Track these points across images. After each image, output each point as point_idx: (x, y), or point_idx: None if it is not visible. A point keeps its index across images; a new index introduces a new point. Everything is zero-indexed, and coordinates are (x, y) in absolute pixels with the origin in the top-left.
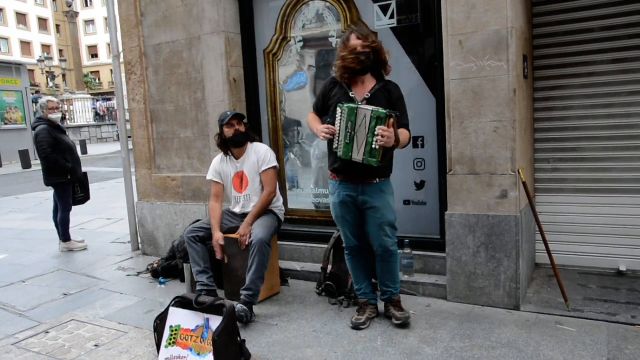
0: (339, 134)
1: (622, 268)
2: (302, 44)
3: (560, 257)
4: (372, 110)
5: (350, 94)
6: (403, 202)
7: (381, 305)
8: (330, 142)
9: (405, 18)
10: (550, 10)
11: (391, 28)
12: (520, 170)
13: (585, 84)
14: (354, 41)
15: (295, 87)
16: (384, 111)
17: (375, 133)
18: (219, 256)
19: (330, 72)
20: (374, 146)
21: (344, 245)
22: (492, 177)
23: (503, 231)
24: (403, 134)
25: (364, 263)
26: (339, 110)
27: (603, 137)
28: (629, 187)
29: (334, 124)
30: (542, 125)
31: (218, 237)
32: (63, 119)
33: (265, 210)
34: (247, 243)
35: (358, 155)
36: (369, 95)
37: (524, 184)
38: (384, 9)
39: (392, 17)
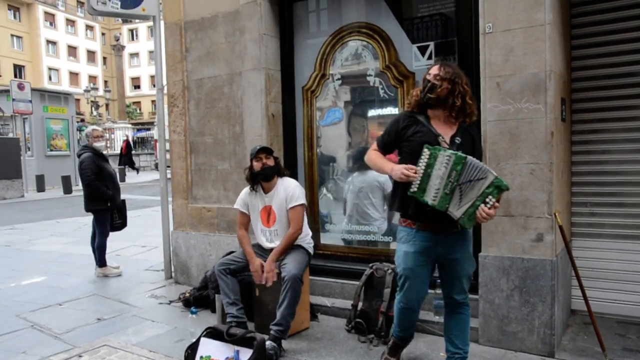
0: (424, 179)
1: None
2: (339, 81)
3: (597, 304)
4: (496, 177)
5: (440, 137)
6: None
7: None
8: (401, 184)
9: (442, 58)
10: (590, 54)
11: (428, 68)
12: (556, 214)
13: (625, 128)
14: (433, 69)
15: (331, 122)
16: (506, 184)
17: (487, 201)
18: (263, 281)
19: (366, 109)
20: (478, 215)
21: (400, 301)
22: (528, 220)
23: (538, 275)
24: None
25: (416, 315)
26: (426, 152)
27: None
28: None
29: (414, 164)
30: (579, 168)
31: (259, 262)
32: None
33: (289, 247)
34: (273, 280)
35: (456, 211)
36: (459, 140)
37: (560, 227)
38: (422, 50)
39: (430, 57)
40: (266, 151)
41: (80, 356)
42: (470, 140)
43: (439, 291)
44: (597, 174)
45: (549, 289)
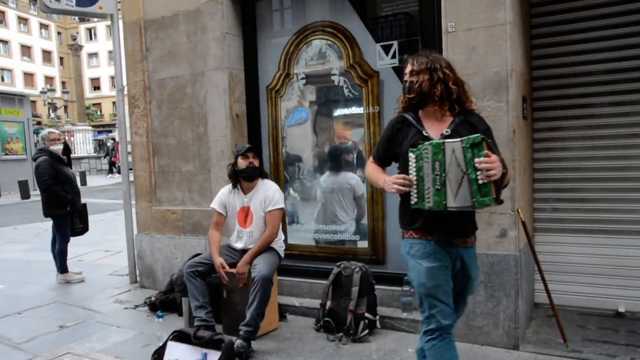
0: (420, 185)
1: (621, 309)
2: (304, 81)
3: (560, 297)
4: (462, 140)
5: (424, 132)
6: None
7: None
8: (404, 197)
9: (407, 56)
10: (550, 54)
11: (393, 67)
12: (519, 210)
13: (585, 125)
14: (406, 67)
15: (296, 122)
16: (477, 135)
17: (476, 166)
18: (225, 280)
19: (332, 108)
20: (480, 182)
21: (429, 327)
22: (492, 216)
23: (502, 270)
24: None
25: (454, 347)
26: (411, 155)
27: (602, 178)
28: (628, 229)
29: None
30: (541, 165)
31: (220, 261)
32: (69, 151)
33: (264, 250)
34: (244, 282)
35: (458, 202)
36: (449, 131)
37: (523, 223)
38: (386, 49)
39: (393, 56)
40: (254, 151)
41: None
42: (469, 129)
43: (406, 288)
44: (558, 170)
45: (513, 284)
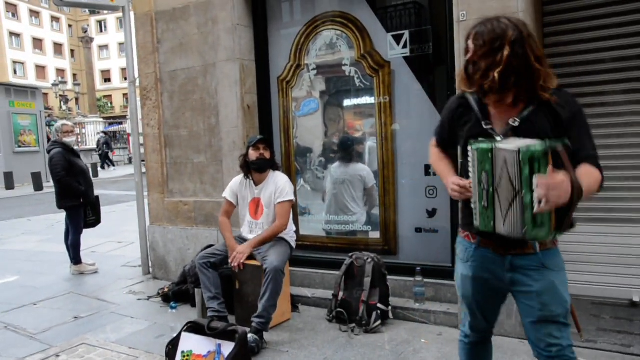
0: (475, 192)
1: (636, 299)
2: (315, 71)
3: (573, 287)
4: (519, 149)
5: (484, 123)
6: (415, 229)
7: None
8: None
9: (417, 47)
10: (562, 41)
11: (404, 57)
12: None
13: (598, 114)
14: (469, 40)
15: (307, 113)
16: (539, 148)
17: (535, 186)
18: (235, 263)
19: (343, 99)
20: (536, 209)
21: (461, 329)
22: None
23: None
24: (588, 174)
25: (490, 352)
26: (470, 152)
27: (616, 167)
28: None
29: (468, 173)
30: None
31: (238, 248)
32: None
33: (271, 239)
34: (241, 262)
35: (507, 227)
36: (517, 121)
37: None
38: (397, 39)
39: (405, 46)
40: (266, 143)
41: (57, 356)
42: (547, 118)
43: (419, 278)
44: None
45: None
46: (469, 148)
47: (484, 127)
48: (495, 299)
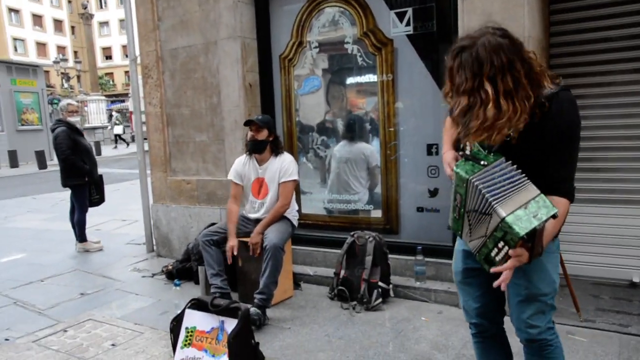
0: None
1: (636, 279)
2: (317, 49)
3: (573, 267)
4: (503, 220)
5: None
6: (416, 208)
7: None
8: None
9: (421, 25)
10: (568, 19)
11: (407, 35)
12: None
13: (602, 93)
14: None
15: (309, 91)
16: (518, 232)
17: (499, 247)
18: (229, 261)
19: (345, 77)
20: (494, 257)
21: (467, 319)
22: None
23: None
24: (559, 203)
25: (499, 352)
26: (454, 170)
27: (619, 148)
28: None
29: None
30: None
31: (233, 244)
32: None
33: (276, 220)
34: (258, 252)
35: (469, 242)
36: (508, 137)
37: None
38: (400, 16)
39: (408, 24)
40: (253, 124)
41: (65, 331)
42: (539, 135)
43: (419, 257)
44: None
45: None
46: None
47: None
48: (483, 276)
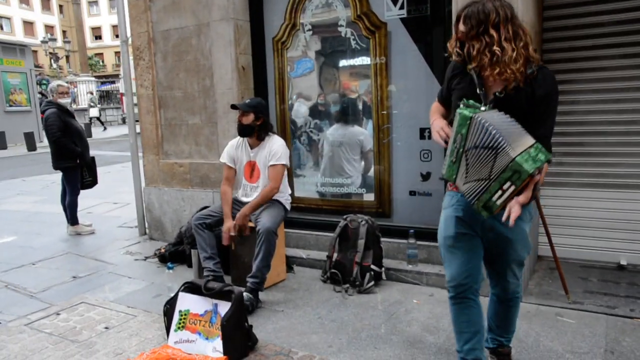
0: (449, 147)
1: (623, 262)
2: (310, 32)
3: (563, 250)
4: (513, 159)
5: (479, 89)
6: (409, 192)
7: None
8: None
9: (414, 9)
10: (561, 4)
11: (401, 18)
12: None
13: (593, 78)
14: (457, 25)
15: (302, 73)
16: (528, 169)
17: (504, 188)
18: (225, 242)
19: (338, 60)
20: (495, 199)
21: (447, 281)
22: None
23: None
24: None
25: (473, 314)
26: (458, 110)
27: (609, 132)
28: (633, 183)
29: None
30: None
31: (230, 225)
32: (71, 102)
33: (264, 203)
34: (239, 232)
35: (465, 188)
36: (502, 93)
37: None
38: (394, 0)
39: (402, 7)
40: (237, 108)
41: (58, 314)
42: (525, 95)
43: (412, 241)
44: (565, 124)
45: None
46: (459, 108)
47: (478, 92)
48: (471, 239)
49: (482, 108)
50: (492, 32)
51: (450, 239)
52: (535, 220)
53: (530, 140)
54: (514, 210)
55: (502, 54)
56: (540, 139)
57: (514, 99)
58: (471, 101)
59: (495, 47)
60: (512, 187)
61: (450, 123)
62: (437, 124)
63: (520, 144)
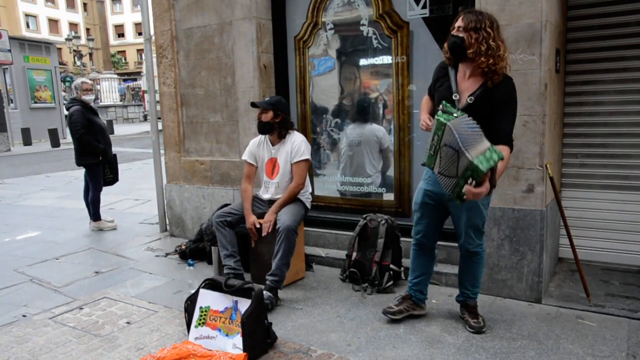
0: (429, 140)
1: None
2: (332, 31)
3: (584, 252)
4: (472, 162)
5: (454, 95)
6: None
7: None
8: None
9: (437, 8)
10: (585, 3)
11: (423, 18)
12: (547, 165)
13: (618, 79)
14: (456, 21)
15: (323, 72)
16: (483, 169)
17: (468, 182)
18: (255, 238)
19: (360, 59)
20: (461, 190)
21: (413, 234)
22: (520, 171)
23: (528, 225)
24: (502, 162)
25: (426, 260)
26: (439, 108)
27: (633, 134)
28: None
29: None
30: (571, 120)
31: (253, 220)
32: (95, 99)
33: (291, 200)
34: (269, 230)
35: (440, 179)
36: (472, 100)
37: (551, 178)
38: None
39: (424, 7)
40: (256, 106)
41: (81, 308)
42: (488, 101)
43: None
44: (589, 125)
45: (538, 239)
46: (437, 112)
47: (453, 98)
48: (438, 209)
49: (455, 114)
50: (489, 29)
51: (417, 204)
52: (557, 222)
53: (486, 144)
54: (477, 195)
55: (496, 49)
56: (504, 135)
57: (480, 104)
58: (448, 105)
59: (491, 42)
60: (474, 182)
61: (433, 116)
62: (423, 117)
63: (478, 149)
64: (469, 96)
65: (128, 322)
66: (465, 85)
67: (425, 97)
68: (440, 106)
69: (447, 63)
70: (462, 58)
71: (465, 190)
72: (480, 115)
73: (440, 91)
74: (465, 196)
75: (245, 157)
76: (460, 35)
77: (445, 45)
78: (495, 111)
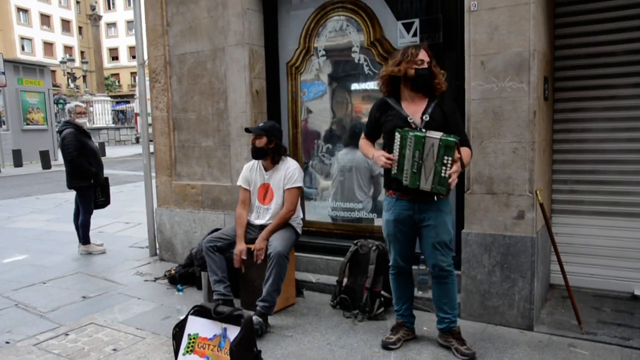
0: (400, 161)
1: (637, 292)
2: (324, 58)
3: (575, 279)
4: (440, 139)
5: (408, 118)
6: None
7: (419, 331)
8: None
9: (427, 36)
10: (573, 33)
11: None
12: (537, 192)
13: (606, 107)
14: (421, 54)
15: (314, 97)
16: (452, 139)
17: (445, 162)
18: (237, 265)
19: (351, 86)
20: (443, 174)
21: (390, 263)
22: (510, 198)
23: (519, 251)
24: (465, 152)
25: (407, 284)
26: (397, 136)
27: (622, 161)
28: None
29: (391, 149)
30: (560, 146)
31: (242, 249)
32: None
33: (282, 226)
34: (262, 258)
35: (426, 185)
36: (427, 117)
37: (541, 205)
38: (407, 27)
39: (415, 34)
40: (255, 133)
41: (67, 334)
42: (441, 114)
43: (422, 267)
44: (578, 152)
45: (529, 265)
46: (397, 135)
47: (408, 120)
48: (409, 233)
49: (423, 130)
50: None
51: (391, 236)
52: (547, 249)
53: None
54: (454, 177)
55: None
56: (463, 141)
57: (435, 118)
58: (407, 129)
59: (441, 71)
60: (450, 159)
61: (389, 143)
62: (379, 154)
63: (439, 133)
64: (422, 115)
65: (114, 349)
66: (413, 108)
67: (363, 141)
68: (400, 131)
69: (385, 95)
70: (427, 87)
71: (444, 174)
72: (438, 129)
73: (390, 122)
74: (446, 182)
75: (240, 182)
76: (426, 67)
77: (383, 78)
78: (449, 120)
